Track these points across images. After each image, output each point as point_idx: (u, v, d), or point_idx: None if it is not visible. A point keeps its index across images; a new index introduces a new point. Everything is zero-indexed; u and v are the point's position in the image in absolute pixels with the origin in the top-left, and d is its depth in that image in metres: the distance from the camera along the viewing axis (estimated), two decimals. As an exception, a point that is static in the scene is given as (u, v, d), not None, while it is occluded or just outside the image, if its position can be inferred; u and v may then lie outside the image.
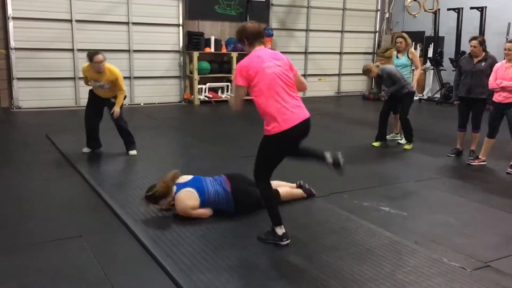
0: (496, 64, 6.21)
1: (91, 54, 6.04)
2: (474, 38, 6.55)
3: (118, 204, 4.56)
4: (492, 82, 6.16)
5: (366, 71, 7.34)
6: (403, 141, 7.71)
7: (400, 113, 7.41)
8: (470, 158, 6.61)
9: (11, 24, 10.03)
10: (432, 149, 7.25)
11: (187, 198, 4.14)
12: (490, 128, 6.35)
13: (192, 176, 4.38)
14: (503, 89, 6.05)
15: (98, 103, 6.48)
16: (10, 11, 9.97)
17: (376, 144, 7.52)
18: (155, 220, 4.21)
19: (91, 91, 6.52)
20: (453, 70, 10.68)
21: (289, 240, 3.75)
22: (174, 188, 4.20)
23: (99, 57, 6.03)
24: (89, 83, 6.38)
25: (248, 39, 3.75)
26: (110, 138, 6.74)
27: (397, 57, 7.80)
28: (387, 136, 7.92)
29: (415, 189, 5.41)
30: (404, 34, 7.83)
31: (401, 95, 7.19)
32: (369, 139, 7.76)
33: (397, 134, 8.03)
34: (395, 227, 4.22)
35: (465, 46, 7.00)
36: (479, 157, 6.51)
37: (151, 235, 3.87)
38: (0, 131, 8.20)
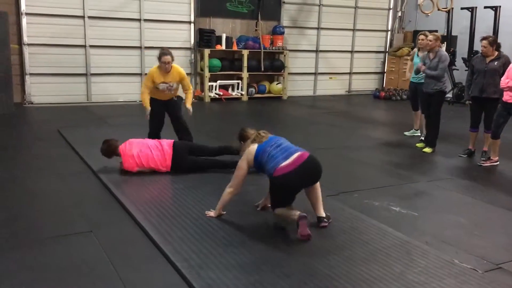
0: (511, 65, 6.15)
1: (160, 55, 5.97)
2: (484, 38, 6.49)
3: (129, 200, 4.58)
4: (502, 81, 6.10)
5: (436, 38, 6.81)
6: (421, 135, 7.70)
7: (431, 113, 7.01)
8: (482, 159, 6.55)
9: (24, 20, 10.11)
10: (444, 150, 7.18)
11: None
12: (494, 126, 6.28)
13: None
14: (511, 88, 6.00)
15: (161, 109, 6.31)
16: (23, 7, 10.05)
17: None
18: (165, 216, 4.22)
19: (152, 101, 6.24)
20: (465, 70, 10.59)
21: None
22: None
23: (167, 58, 5.95)
24: (158, 86, 6.12)
25: None
26: (121, 137, 6.76)
27: (417, 55, 7.71)
28: (406, 133, 7.86)
29: (426, 189, 5.37)
30: (426, 32, 7.63)
31: (432, 91, 6.86)
32: (380, 138, 7.72)
33: (417, 130, 8.01)
34: (405, 227, 4.20)
35: (478, 46, 6.90)
36: (491, 158, 6.45)
37: (161, 231, 3.88)
38: (13, 126, 8.27)
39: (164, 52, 6.03)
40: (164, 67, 6.01)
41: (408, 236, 3.98)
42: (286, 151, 3.92)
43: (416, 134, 8.05)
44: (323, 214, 4.08)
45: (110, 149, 5.49)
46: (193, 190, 4.95)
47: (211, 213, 4.22)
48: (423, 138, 7.58)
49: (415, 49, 7.94)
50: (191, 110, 6.32)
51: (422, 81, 7.20)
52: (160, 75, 6.08)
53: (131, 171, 5.41)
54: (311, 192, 4.06)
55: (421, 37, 7.58)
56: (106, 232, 3.94)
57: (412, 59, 8.00)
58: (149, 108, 6.23)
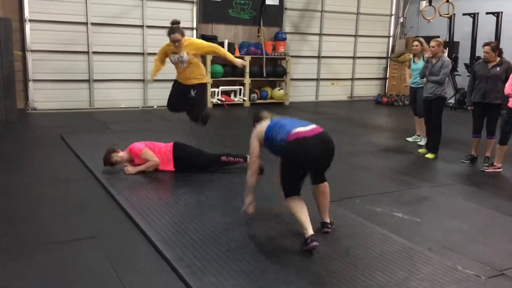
0: None
1: (168, 33, 6.02)
2: (487, 44, 6.50)
3: (132, 206, 4.58)
4: (508, 88, 6.10)
5: (439, 44, 6.87)
6: (422, 142, 7.69)
7: (433, 119, 7.04)
8: (484, 164, 6.55)
9: (27, 26, 10.17)
10: (447, 155, 7.18)
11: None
12: (502, 133, 6.29)
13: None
14: None
15: (179, 90, 6.38)
16: (27, 14, 10.11)
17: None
18: (168, 222, 4.23)
19: (174, 81, 6.48)
20: (467, 76, 10.59)
21: (314, 243, 3.59)
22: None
23: (175, 36, 5.96)
24: (170, 58, 6.25)
25: None
26: (124, 143, 6.78)
27: (413, 61, 7.74)
28: (409, 139, 7.87)
29: (428, 195, 5.37)
30: (420, 38, 7.76)
31: (431, 96, 6.92)
32: (382, 143, 7.72)
33: (419, 136, 8.02)
34: (408, 233, 4.19)
35: (481, 51, 6.93)
36: (494, 163, 6.44)
37: (164, 237, 3.88)
38: (16, 132, 8.30)
39: (172, 29, 5.99)
40: (174, 45, 5.99)
41: (411, 242, 3.97)
42: (303, 123, 3.85)
43: (417, 140, 8.05)
44: (328, 220, 4.08)
45: (107, 156, 5.59)
46: (195, 196, 4.96)
47: (247, 202, 4.06)
48: (421, 143, 7.64)
49: (410, 56, 7.98)
50: (239, 61, 6.31)
51: (422, 85, 7.31)
52: (172, 47, 6.09)
53: (137, 153, 5.60)
54: (321, 195, 4.03)
55: (416, 43, 7.64)
56: (109, 238, 3.95)
57: (409, 66, 8.02)
58: (154, 74, 6.42)
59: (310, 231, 3.62)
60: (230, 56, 6.28)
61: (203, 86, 6.43)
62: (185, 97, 6.30)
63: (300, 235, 3.73)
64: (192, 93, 6.26)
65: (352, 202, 4.97)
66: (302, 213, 3.71)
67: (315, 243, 3.58)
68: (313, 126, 3.83)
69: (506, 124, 6.24)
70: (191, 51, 6.11)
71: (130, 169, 5.60)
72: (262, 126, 3.98)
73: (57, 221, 4.30)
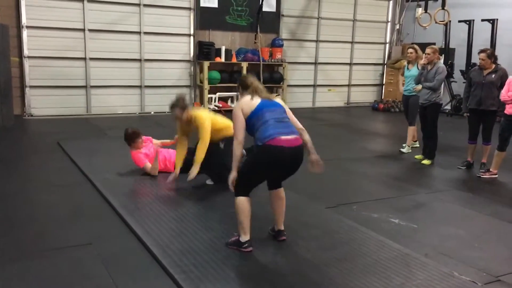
0: (510, 77, 6.20)
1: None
2: (482, 51, 6.53)
3: (128, 213, 4.58)
4: (504, 95, 6.13)
5: (434, 51, 6.89)
6: (405, 149, 7.73)
7: (429, 126, 7.09)
8: (481, 170, 6.57)
9: (25, 33, 10.18)
10: (443, 161, 7.20)
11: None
12: (500, 140, 6.32)
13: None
14: None
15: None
16: (24, 20, 10.13)
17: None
18: (164, 228, 4.22)
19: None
20: (463, 82, 10.64)
21: (250, 248, 3.74)
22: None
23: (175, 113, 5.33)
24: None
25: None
26: (121, 148, 6.78)
27: (407, 68, 7.78)
28: (403, 149, 7.92)
29: (425, 201, 5.38)
30: (415, 46, 7.80)
31: (425, 103, 6.99)
32: (379, 150, 7.74)
33: (415, 142, 8.05)
34: (404, 239, 4.20)
35: (476, 58, 6.97)
36: (490, 170, 6.46)
37: (160, 244, 3.88)
38: (12, 138, 8.29)
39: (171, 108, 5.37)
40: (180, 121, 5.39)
41: (407, 248, 3.98)
42: (287, 127, 3.75)
43: (414, 146, 8.05)
44: (283, 228, 4.07)
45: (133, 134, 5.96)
46: (193, 203, 4.97)
47: (231, 177, 3.75)
48: (403, 151, 7.75)
49: (405, 63, 7.99)
50: (193, 174, 5.23)
51: (414, 93, 7.43)
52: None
53: (139, 165, 5.89)
54: (278, 203, 4.02)
55: (410, 50, 7.67)
56: (105, 245, 3.94)
57: (402, 74, 8.02)
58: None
59: (248, 235, 3.79)
60: (198, 153, 5.26)
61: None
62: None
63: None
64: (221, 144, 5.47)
65: (348, 208, 4.97)
66: (247, 216, 3.76)
67: (250, 248, 3.76)
68: (294, 135, 3.71)
69: (504, 131, 6.26)
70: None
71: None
72: (252, 103, 3.79)
73: (54, 227, 4.29)
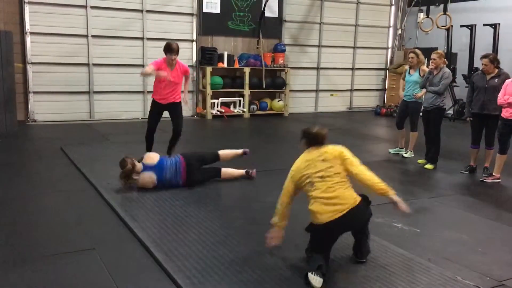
0: (507, 80, 6.21)
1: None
2: (485, 56, 6.54)
3: (131, 218, 4.59)
4: (500, 98, 6.14)
5: (440, 56, 7.02)
6: (407, 154, 7.73)
7: (432, 130, 7.15)
8: (484, 175, 6.56)
9: (28, 39, 10.23)
10: (446, 166, 7.20)
11: (146, 181, 5.48)
12: (500, 143, 6.32)
13: (158, 159, 5.60)
14: (510, 105, 6.04)
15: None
16: (28, 27, 10.18)
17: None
18: (168, 234, 4.23)
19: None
20: (466, 87, 10.65)
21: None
22: (141, 166, 5.50)
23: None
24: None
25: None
26: (126, 152, 6.80)
27: (409, 73, 7.77)
28: (391, 150, 7.91)
29: (428, 205, 5.38)
30: (416, 50, 7.79)
31: (429, 107, 7.07)
32: (381, 154, 7.73)
33: (401, 148, 8.04)
34: (408, 244, 4.20)
35: (478, 63, 6.98)
36: (493, 174, 6.45)
37: (164, 249, 3.88)
38: (16, 143, 8.31)
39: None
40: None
41: (411, 252, 3.98)
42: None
43: (400, 152, 8.03)
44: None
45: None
46: (195, 208, 4.97)
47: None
48: (406, 156, 7.78)
49: (406, 67, 7.98)
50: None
51: (413, 99, 7.47)
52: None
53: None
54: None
55: (411, 55, 7.65)
56: (109, 250, 3.95)
57: (403, 78, 8.00)
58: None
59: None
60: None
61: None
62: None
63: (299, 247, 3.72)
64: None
65: (351, 213, 4.95)
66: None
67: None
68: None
69: (502, 134, 6.27)
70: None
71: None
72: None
73: (57, 233, 4.30)
